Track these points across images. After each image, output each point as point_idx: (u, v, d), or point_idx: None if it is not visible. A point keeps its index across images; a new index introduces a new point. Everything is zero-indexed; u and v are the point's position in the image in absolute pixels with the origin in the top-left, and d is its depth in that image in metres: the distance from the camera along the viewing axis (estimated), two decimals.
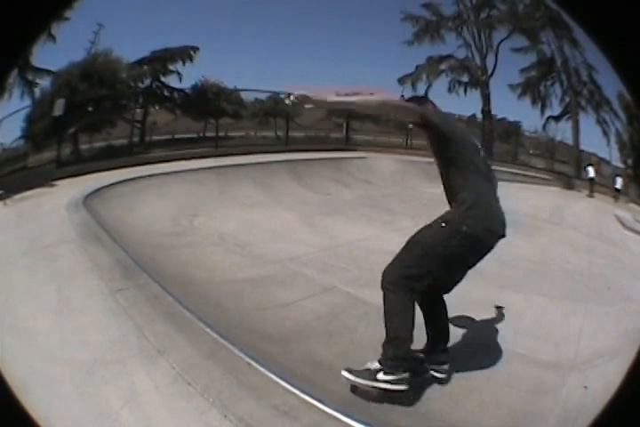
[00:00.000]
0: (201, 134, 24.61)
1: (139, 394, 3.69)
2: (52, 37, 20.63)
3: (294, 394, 3.54)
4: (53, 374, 4.03)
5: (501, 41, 28.18)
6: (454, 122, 4.85)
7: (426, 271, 4.07)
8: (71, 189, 11.62)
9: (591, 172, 22.23)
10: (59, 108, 18.25)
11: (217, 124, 23.11)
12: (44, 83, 20.76)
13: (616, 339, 5.30)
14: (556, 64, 27.67)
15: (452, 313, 4.75)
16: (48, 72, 21.03)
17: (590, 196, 20.76)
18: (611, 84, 23.78)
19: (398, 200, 15.21)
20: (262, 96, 27.66)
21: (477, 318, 5.97)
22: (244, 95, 26.66)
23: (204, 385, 3.67)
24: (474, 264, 4.41)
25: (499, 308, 6.27)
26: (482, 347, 5.27)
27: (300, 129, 25.81)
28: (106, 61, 21.04)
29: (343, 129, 26.87)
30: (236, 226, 10.52)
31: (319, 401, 3.44)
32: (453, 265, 4.26)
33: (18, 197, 11.70)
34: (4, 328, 4.94)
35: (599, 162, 24.57)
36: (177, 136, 24.34)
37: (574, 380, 4.44)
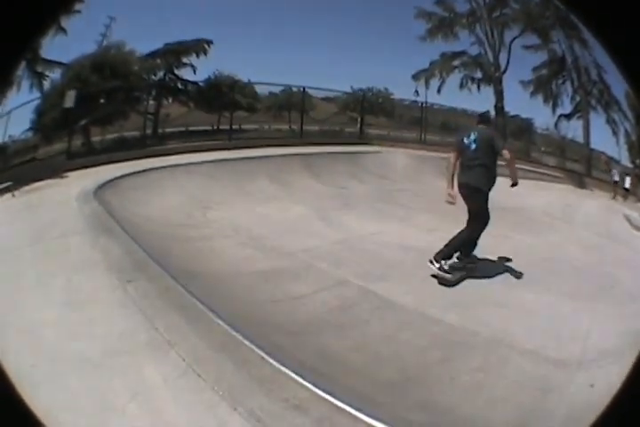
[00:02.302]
0: (215, 127, 24.47)
1: (147, 388, 3.66)
2: (63, 30, 20.69)
3: (305, 387, 3.50)
4: (59, 368, 3.96)
5: (514, 39, 28.03)
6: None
7: None
8: (82, 180, 11.55)
9: (615, 175, 22.24)
10: (70, 99, 18.20)
11: (231, 116, 22.97)
12: (54, 75, 20.79)
13: (621, 339, 5.26)
14: (567, 63, 27.50)
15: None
16: (59, 64, 21.06)
17: (614, 198, 20.68)
18: (619, 84, 23.71)
19: (413, 195, 15.08)
20: (276, 89, 27.66)
21: (492, 316, 6.03)
22: (258, 89, 26.60)
23: (215, 378, 3.64)
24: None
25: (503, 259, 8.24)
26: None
27: (315, 123, 25.71)
28: (118, 53, 21.01)
29: (357, 123, 26.77)
30: (249, 219, 10.46)
31: (330, 394, 3.40)
32: None
33: (27, 188, 11.72)
34: (11, 320, 4.86)
35: (609, 161, 24.57)
36: (190, 128, 24.24)
37: (581, 378, 4.43)
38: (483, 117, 8.29)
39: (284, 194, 13.64)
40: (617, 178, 21.32)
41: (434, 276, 7.23)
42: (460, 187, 7.67)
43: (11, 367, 3.03)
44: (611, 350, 4.95)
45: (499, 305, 6.37)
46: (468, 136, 7.68)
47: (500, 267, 7.97)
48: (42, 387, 3.50)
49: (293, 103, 25.58)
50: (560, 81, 27.89)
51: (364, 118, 26.80)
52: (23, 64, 19.58)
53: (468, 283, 7.26)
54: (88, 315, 4.93)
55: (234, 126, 23.15)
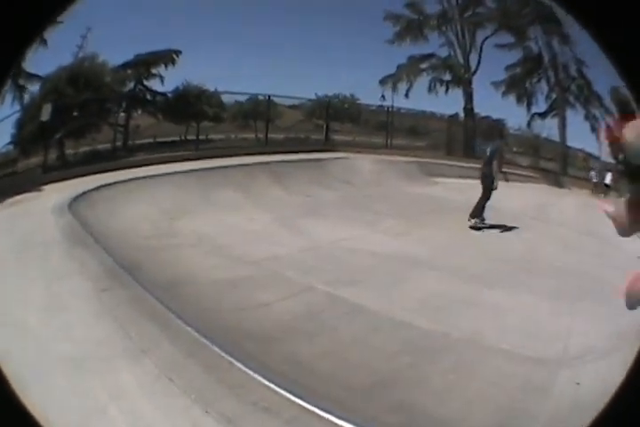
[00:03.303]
0: (182, 137, 24.48)
1: (125, 391, 3.74)
2: (44, 41, 20.67)
3: (274, 391, 3.61)
4: (45, 368, 4.06)
5: (486, 38, 27.83)
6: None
7: None
8: (56, 193, 11.69)
9: (594, 172, 22.51)
10: (46, 112, 18.21)
11: (197, 127, 23.05)
12: (34, 88, 20.82)
13: (607, 336, 5.31)
14: (544, 60, 27.51)
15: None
16: (38, 77, 21.07)
17: (593, 195, 20.83)
18: (602, 79, 23.79)
19: (380, 200, 15.04)
20: (242, 98, 27.64)
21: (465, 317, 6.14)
22: (224, 98, 26.58)
23: (185, 383, 3.74)
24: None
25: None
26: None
27: (280, 131, 25.74)
28: (91, 65, 21.00)
29: (323, 130, 26.82)
30: (214, 228, 10.44)
31: (299, 397, 3.50)
32: None
33: (9, 201, 11.63)
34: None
35: (587, 158, 24.74)
36: (158, 139, 24.22)
37: (564, 376, 4.49)
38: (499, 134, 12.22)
39: (250, 203, 13.57)
40: (595, 175, 21.47)
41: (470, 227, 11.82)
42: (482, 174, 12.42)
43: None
44: (596, 348, 5.09)
45: (471, 305, 6.49)
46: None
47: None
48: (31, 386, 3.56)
49: (259, 112, 25.56)
50: (535, 79, 27.87)
51: (330, 125, 26.83)
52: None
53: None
54: (66, 320, 5.03)
55: (201, 136, 23.21)
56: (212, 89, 25.32)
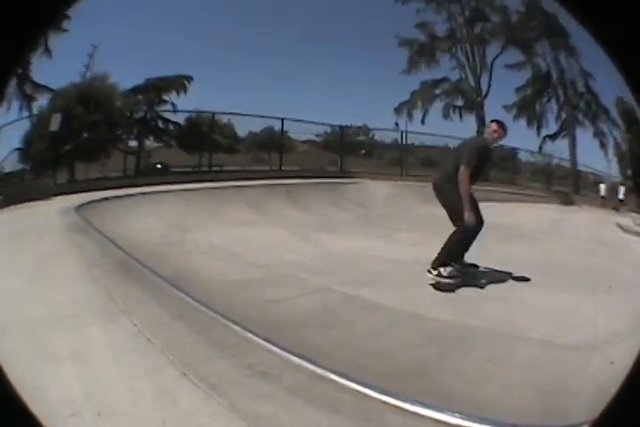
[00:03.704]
0: (196, 169, 24.26)
1: (88, 346, 3.52)
2: (48, 50, 20.83)
3: (276, 353, 3.29)
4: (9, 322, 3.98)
5: (496, 57, 28.39)
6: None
7: None
8: (64, 201, 11.95)
9: (602, 189, 22.80)
10: (55, 122, 18.24)
11: (210, 157, 22.90)
12: (43, 101, 21.01)
13: (628, 319, 5.35)
14: (552, 78, 27.86)
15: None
16: (47, 89, 21.20)
17: (604, 210, 20.90)
18: (608, 89, 24.21)
19: (394, 219, 14.95)
20: (256, 129, 27.57)
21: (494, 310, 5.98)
22: (237, 129, 26.50)
23: (166, 343, 3.44)
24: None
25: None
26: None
27: (294, 164, 25.55)
28: (102, 87, 21.05)
29: (337, 162, 26.61)
30: (227, 240, 10.27)
31: (307, 361, 3.18)
32: None
33: (16, 206, 11.96)
34: None
35: (596, 178, 25.11)
36: (172, 170, 24.07)
37: (598, 358, 4.30)
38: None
39: (263, 220, 13.43)
40: (604, 192, 21.61)
41: (432, 284, 7.07)
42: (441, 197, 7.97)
43: None
44: (621, 330, 5.00)
45: (497, 300, 6.36)
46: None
47: (502, 275, 7.63)
48: None
49: (273, 143, 25.46)
50: (545, 99, 28.14)
51: (344, 158, 26.60)
52: (14, 80, 19.71)
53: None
54: (48, 286, 5.09)
55: (214, 168, 23.01)
56: (224, 119, 25.23)
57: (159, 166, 23.41)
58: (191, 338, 3.52)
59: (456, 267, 7.27)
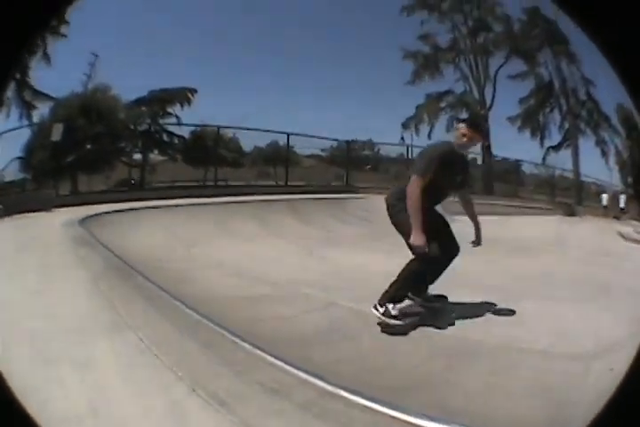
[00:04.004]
0: (202, 183, 24.26)
1: (93, 361, 3.50)
2: (47, 56, 20.92)
3: (286, 371, 3.25)
4: (12, 339, 3.92)
5: (499, 67, 28.78)
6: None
7: None
8: (68, 213, 12.02)
9: (604, 199, 23.20)
10: (57, 132, 18.22)
11: (215, 171, 22.89)
12: (44, 109, 21.08)
13: (629, 326, 5.34)
14: (555, 87, 28.11)
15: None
16: (47, 97, 21.25)
17: (606, 219, 21.10)
18: (609, 96, 24.49)
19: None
20: (262, 143, 27.64)
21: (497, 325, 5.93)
22: (242, 143, 26.57)
23: (175, 359, 3.41)
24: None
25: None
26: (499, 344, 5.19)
27: (299, 179, 25.58)
28: (104, 98, 21.08)
29: (343, 179, 26.63)
30: (234, 255, 10.28)
31: (317, 377, 3.15)
32: None
33: (17, 216, 12.09)
34: None
35: (599, 188, 25.37)
36: (177, 183, 24.09)
37: (598, 366, 4.34)
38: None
39: (269, 235, 13.44)
40: (606, 202, 21.85)
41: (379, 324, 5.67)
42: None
43: None
44: (621, 338, 4.91)
45: (500, 315, 6.27)
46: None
47: (480, 308, 6.48)
48: None
49: (279, 157, 25.49)
50: (548, 110, 28.30)
51: (350, 173, 26.63)
52: (12, 85, 19.75)
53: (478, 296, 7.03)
54: (52, 300, 5.05)
55: (219, 182, 23.01)
56: (229, 133, 25.28)
57: (132, 182, 23.32)
58: (200, 354, 3.50)
59: (416, 301, 6.18)
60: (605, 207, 22.82)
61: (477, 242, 6.52)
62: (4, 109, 20.47)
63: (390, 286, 5.81)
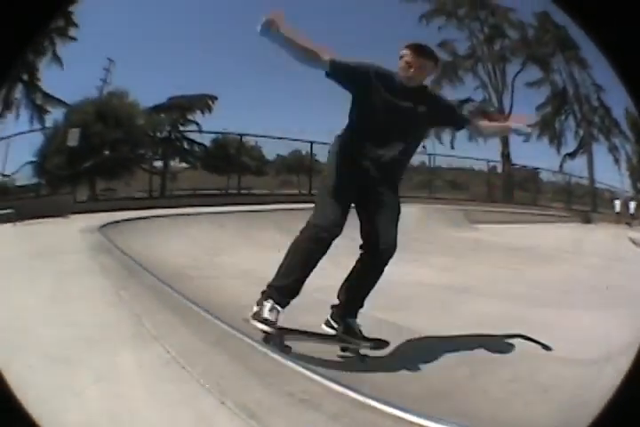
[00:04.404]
0: (224, 191, 24.27)
1: (116, 373, 3.42)
2: (58, 59, 21.01)
3: (316, 382, 3.17)
4: (26, 346, 3.87)
5: (516, 74, 29.24)
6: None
7: None
8: (87, 220, 11.98)
9: (617, 205, 24.26)
10: (73, 137, 18.20)
11: (239, 180, 22.88)
12: (57, 114, 21.16)
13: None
14: (569, 94, 28.27)
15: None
16: (59, 102, 21.34)
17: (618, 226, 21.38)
18: (617, 101, 24.67)
19: (425, 243, 14.88)
20: (284, 152, 27.63)
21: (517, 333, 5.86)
22: (265, 151, 26.61)
23: (203, 370, 3.32)
24: None
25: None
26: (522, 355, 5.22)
27: None
28: (122, 104, 21.10)
29: None
30: (258, 264, 10.17)
31: (349, 388, 3.06)
32: None
33: (30, 222, 12.08)
34: None
35: (612, 195, 25.85)
36: (198, 192, 24.10)
37: (611, 369, 4.22)
38: None
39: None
40: (618, 208, 22.12)
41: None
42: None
43: None
44: (632, 342, 4.54)
45: (522, 323, 6.28)
46: None
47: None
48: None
49: (302, 166, 25.47)
50: (563, 117, 28.51)
51: None
52: (19, 87, 19.87)
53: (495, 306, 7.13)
54: (71, 308, 4.97)
55: (243, 191, 23.01)
56: (250, 141, 25.28)
57: (111, 191, 23.30)
58: (228, 365, 3.43)
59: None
60: (618, 213, 23.51)
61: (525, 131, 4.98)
62: (12, 112, 20.65)
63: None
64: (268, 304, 4.40)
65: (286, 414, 2.80)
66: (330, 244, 4.68)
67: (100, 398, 3.08)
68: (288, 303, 4.56)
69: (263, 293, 4.60)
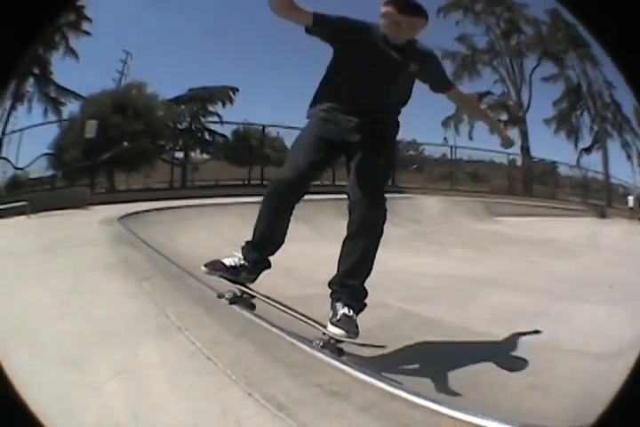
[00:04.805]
0: (246, 182, 24.23)
1: (138, 366, 3.36)
2: (74, 53, 21.05)
3: (345, 373, 3.13)
4: (41, 340, 3.81)
5: (534, 69, 29.44)
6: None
7: None
8: (105, 211, 11.92)
9: (631, 201, 24.57)
10: (91, 129, 18.20)
11: (261, 172, 22.85)
12: (72, 106, 21.18)
13: None
14: (582, 90, 28.47)
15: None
16: (73, 93, 21.38)
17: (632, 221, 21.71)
18: (627, 98, 24.67)
19: (446, 235, 15.14)
20: None
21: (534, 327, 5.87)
22: (288, 142, 26.57)
23: (229, 362, 3.27)
24: None
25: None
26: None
27: (346, 178, 25.45)
28: (141, 96, 21.10)
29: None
30: (281, 254, 10.12)
31: (377, 379, 3.03)
32: None
33: (43, 214, 11.96)
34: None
35: (626, 190, 26.97)
36: (220, 183, 24.03)
37: (621, 365, 4.07)
38: None
39: (316, 235, 13.29)
40: (632, 203, 22.33)
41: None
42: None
43: None
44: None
45: (541, 315, 6.41)
46: None
47: None
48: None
49: None
50: (579, 112, 28.68)
51: (395, 174, 26.53)
52: (31, 81, 19.96)
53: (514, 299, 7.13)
54: (88, 300, 4.86)
55: (265, 182, 22.95)
56: (273, 131, 25.18)
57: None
58: (255, 356, 3.39)
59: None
60: (631, 209, 23.78)
61: (506, 142, 5.16)
62: (24, 105, 20.73)
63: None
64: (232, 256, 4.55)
65: (315, 405, 2.76)
66: (291, 198, 4.36)
67: (123, 394, 3.03)
68: (256, 262, 4.67)
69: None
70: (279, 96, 32.27)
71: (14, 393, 2.17)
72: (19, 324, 4.15)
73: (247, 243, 4.62)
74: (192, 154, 24.39)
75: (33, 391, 2.38)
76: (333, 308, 4.17)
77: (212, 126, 24.95)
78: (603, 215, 23.90)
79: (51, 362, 3.41)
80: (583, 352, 5.04)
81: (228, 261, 4.50)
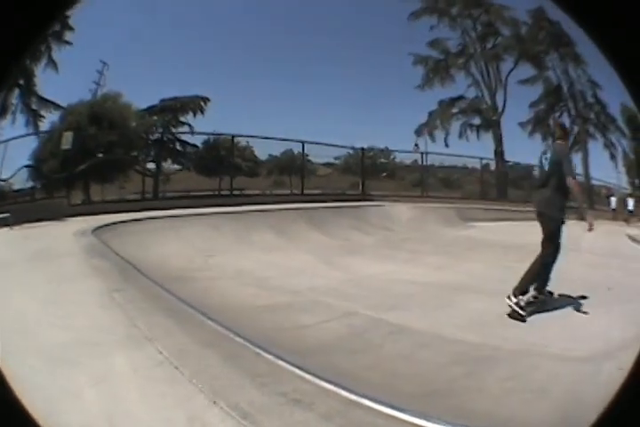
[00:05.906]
0: (216, 192, 24.18)
1: (112, 376, 3.43)
2: (54, 64, 21.01)
3: (309, 381, 3.19)
4: (26, 349, 3.90)
5: (509, 72, 29.30)
6: None
7: None
8: (80, 223, 12.05)
9: (613, 202, 24.28)
10: (67, 140, 18.22)
11: (231, 181, 22.80)
12: (52, 117, 21.18)
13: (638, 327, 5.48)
14: (563, 91, 28.43)
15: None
16: (54, 105, 21.34)
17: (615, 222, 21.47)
18: (614, 97, 24.74)
19: (419, 242, 14.99)
20: (276, 152, 27.59)
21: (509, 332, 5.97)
22: (257, 152, 26.54)
23: (195, 371, 3.34)
24: None
25: None
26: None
27: (315, 187, 25.48)
28: (115, 106, 21.08)
29: (359, 187, 26.52)
30: (253, 265, 10.24)
31: (340, 387, 3.10)
32: None
33: (25, 225, 12.10)
34: None
35: (608, 191, 26.31)
36: (192, 193, 24.00)
37: (609, 366, 4.35)
38: (561, 130, 7.47)
39: (288, 245, 13.30)
40: (614, 205, 22.14)
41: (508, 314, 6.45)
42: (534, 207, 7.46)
43: None
44: (632, 337, 5.02)
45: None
46: (545, 153, 7.08)
47: (568, 300, 7.34)
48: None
49: (294, 166, 25.41)
50: (557, 114, 28.57)
51: (366, 182, 26.55)
52: (16, 92, 19.91)
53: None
54: (68, 311, 4.99)
55: (235, 192, 22.93)
56: (243, 141, 25.20)
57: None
58: (221, 366, 3.43)
59: (534, 294, 6.77)
60: (614, 210, 23.56)
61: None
62: (8, 116, 20.71)
63: (520, 280, 6.63)
64: None
65: (279, 413, 2.81)
66: None
67: (97, 400, 3.09)
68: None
69: None
70: (248, 106, 32.33)
71: None
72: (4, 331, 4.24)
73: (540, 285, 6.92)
74: (164, 164, 24.33)
75: (22, 395, 2.41)
76: None
77: (183, 137, 24.93)
78: (583, 218, 23.47)
79: (34, 369, 3.48)
80: (563, 356, 5.04)
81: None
